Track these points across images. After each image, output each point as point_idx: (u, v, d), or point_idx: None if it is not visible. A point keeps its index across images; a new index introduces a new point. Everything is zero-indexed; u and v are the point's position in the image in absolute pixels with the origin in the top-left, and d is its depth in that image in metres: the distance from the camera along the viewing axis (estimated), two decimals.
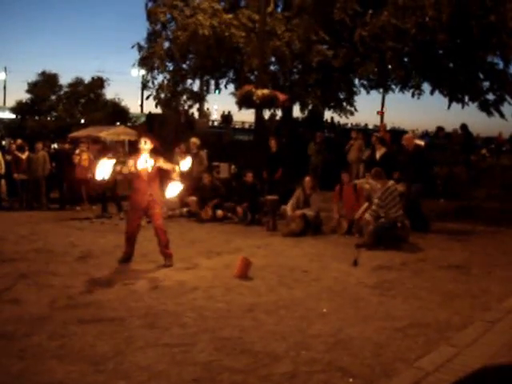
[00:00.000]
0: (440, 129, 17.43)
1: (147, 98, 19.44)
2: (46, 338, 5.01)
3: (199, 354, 4.70)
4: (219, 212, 12.18)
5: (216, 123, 40.74)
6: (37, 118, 30.23)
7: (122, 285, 6.92)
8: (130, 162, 7.96)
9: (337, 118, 25.10)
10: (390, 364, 4.55)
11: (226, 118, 26.99)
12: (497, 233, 11.06)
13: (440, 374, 4.26)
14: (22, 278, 7.06)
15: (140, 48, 18.74)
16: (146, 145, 7.93)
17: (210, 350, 4.77)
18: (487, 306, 6.21)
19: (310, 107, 19.05)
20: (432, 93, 17.09)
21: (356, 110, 19.67)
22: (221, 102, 44.26)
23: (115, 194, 12.73)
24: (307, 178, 11.06)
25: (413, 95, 17.40)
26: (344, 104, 19.44)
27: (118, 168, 8.11)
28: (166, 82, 18.67)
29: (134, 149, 8.32)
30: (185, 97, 19.34)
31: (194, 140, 13.84)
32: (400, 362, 4.60)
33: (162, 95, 18.72)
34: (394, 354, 4.77)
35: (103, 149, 13.31)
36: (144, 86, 19.27)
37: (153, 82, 18.89)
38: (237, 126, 36.68)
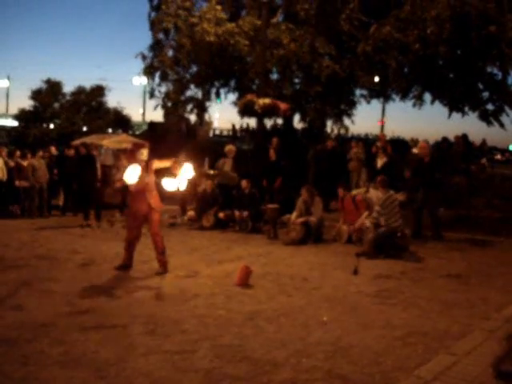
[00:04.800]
0: (445, 139, 17.63)
1: (155, 107, 19.50)
2: (48, 344, 5.05)
3: (200, 360, 4.75)
4: (221, 214, 12.26)
5: (218, 132, 40.81)
6: (40, 125, 30.32)
7: (123, 292, 6.96)
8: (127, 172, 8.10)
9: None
10: (390, 372, 4.59)
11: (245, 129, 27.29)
12: (496, 242, 11.09)
13: (439, 383, 4.30)
14: (25, 285, 7.11)
15: (144, 57, 18.84)
16: (143, 156, 8.05)
17: (211, 357, 4.81)
18: (486, 315, 6.25)
19: (310, 117, 19.12)
20: (433, 103, 17.19)
21: (353, 123, 19.84)
22: (222, 111, 44.44)
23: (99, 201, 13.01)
24: (305, 188, 11.12)
25: (414, 105, 17.47)
26: (343, 118, 19.56)
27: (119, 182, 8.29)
28: (171, 90, 18.77)
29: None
30: (189, 106, 19.44)
31: (231, 147, 13.92)
32: (399, 370, 4.64)
33: (169, 104, 18.83)
34: (394, 362, 4.81)
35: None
36: (151, 95, 19.33)
37: (159, 91, 19.01)
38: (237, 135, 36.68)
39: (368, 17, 15.53)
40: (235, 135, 25.36)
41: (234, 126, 24.61)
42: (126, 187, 8.39)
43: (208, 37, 15.95)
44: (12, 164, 14.48)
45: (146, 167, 8.02)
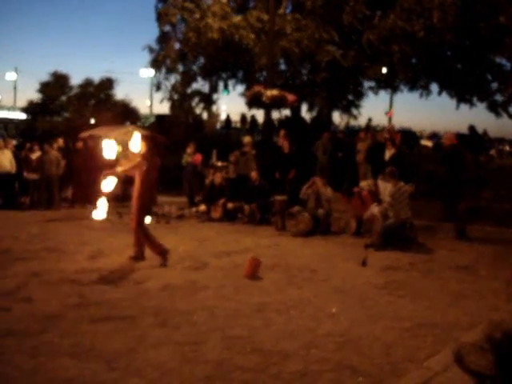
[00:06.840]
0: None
1: (161, 101, 19.50)
2: (58, 335, 5.08)
3: (210, 352, 4.76)
4: (230, 205, 12.27)
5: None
6: (48, 118, 30.26)
7: (133, 284, 6.99)
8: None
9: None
10: (399, 363, 4.60)
11: (252, 121, 27.65)
12: (505, 234, 11.05)
13: (449, 374, 4.29)
14: (34, 277, 7.15)
15: (151, 50, 18.82)
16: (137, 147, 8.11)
17: (221, 349, 4.83)
18: (495, 307, 6.24)
19: (318, 107, 19.08)
20: (440, 93, 17.12)
21: (360, 114, 19.79)
22: (229, 103, 44.36)
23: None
24: (316, 179, 11.11)
25: (421, 95, 17.42)
26: (351, 108, 19.49)
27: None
28: (177, 83, 18.75)
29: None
30: (196, 99, 19.44)
31: (248, 139, 13.90)
32: (409, 361, 4.64)
33: (176, 97, 18.82)
34: (403, 353, 4.81)
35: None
36: (157, 88, 19.31)
37: (165, 85, 19.00)
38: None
39: (373, 7, 15.45)
40: (229, 125, 25.72)
41: (228, 116, 25.02)
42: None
43: (211, 33, 15.90)
44: (23, 154, 14.58)
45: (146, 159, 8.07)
